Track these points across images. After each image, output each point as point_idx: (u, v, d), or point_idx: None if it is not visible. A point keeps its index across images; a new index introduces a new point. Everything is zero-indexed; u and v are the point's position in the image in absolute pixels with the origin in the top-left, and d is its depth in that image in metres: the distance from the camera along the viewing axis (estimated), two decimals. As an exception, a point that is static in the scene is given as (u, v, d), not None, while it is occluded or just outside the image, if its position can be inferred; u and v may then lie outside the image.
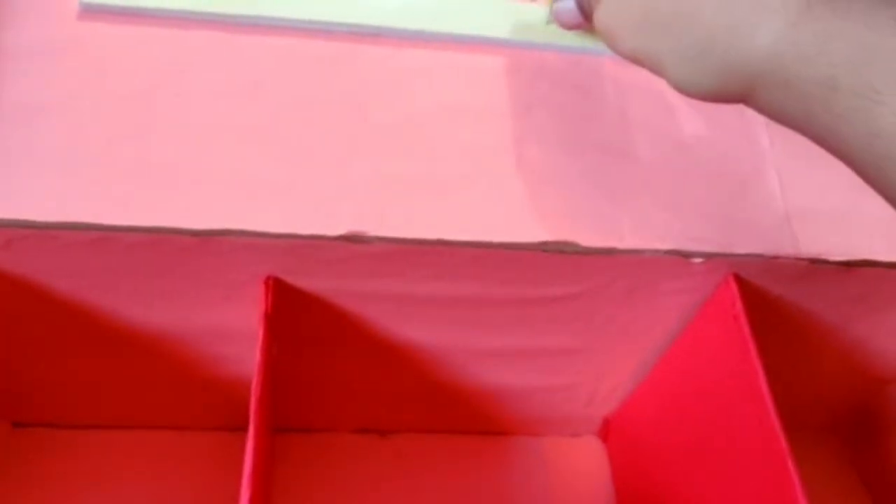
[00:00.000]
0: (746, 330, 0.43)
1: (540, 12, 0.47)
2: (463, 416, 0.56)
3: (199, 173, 0.41)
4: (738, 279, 0.45)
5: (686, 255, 0.44)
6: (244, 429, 0.41)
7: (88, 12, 0.45)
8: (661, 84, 0.47)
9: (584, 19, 0.42)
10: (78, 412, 0.53)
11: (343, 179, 0.43)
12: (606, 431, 0.58)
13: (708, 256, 0.44)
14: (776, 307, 0.47)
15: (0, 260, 0.42)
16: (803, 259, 0.44)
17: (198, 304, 0.45)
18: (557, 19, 0.43)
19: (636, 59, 0.36)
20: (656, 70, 0.35)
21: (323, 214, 0.42)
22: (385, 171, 0.43)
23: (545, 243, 0.42)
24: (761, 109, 0.33)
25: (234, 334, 0.47)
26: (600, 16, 0.37)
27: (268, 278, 0.44)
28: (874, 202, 0.46)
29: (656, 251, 0.43)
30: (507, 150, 0.44)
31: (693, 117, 0.47)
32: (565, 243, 0.43)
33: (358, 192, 0.42)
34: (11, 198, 0.40)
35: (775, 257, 0.44)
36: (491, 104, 0.46)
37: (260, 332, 0.43)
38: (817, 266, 0.44)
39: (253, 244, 0.41)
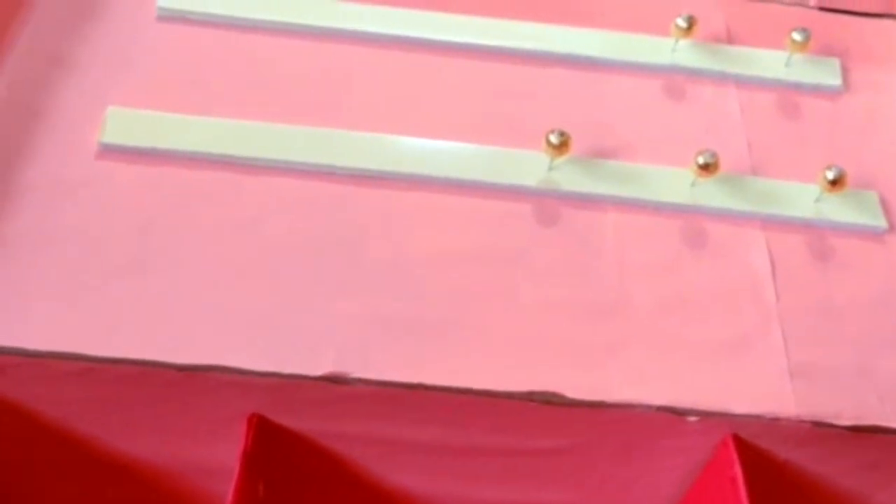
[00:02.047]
0: (744, 495, 0.41)
1: (541, 159, 0.48)
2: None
3: (190, 307, 0.42)
4: (737, 440, 0.43)
5: (680, 413, 0.42)
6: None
7: (107, 151, 0.47)
8: (661, 234, 0.47)
9: None
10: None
11: (330, 318, 0.43)
12: None
13: (704, 415, 0.42)
14: (780, 472, 0.44)
15: (-6, 385, 0.43)
16: (806, 421, 0.42)
17: (183, 438, 0.45)
18: None
19: None
20: None
21: (308, 353, 0.42)
22: (372, 311, 0.43)
23: (530, 393, 0.41)
24: None
25: (220, 471, 0.46)
26: None
27: (252, 416, 0.43)
28: (887, 362, 0.44)
29: (648, 406, 0.42)
30: (496, 296, 0.44)
31: (695, 268, 0.46)
32: (552, 394, 0.41)
33: (343, 331, 0.42)
34: (8, 325, 0.41)
35: (776, 419, 0.42)
36: (485, 248, 0.46)
37: (236, 470, 0.42)
38: (822, 430, 0.42)
39: (237, 381, 0.41)
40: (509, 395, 0.41)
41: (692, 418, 0.42)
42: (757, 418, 0.42)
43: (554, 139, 0.46)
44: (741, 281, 0.46)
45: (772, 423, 0.42)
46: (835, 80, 0.55)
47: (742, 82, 0.54)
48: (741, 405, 0.42)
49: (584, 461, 0.46)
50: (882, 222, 0.49)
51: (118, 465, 0.46)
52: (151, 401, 0.43)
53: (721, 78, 0.54)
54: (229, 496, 0.41)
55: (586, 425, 0.43)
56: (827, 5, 0.59)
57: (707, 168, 0.46)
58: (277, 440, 0.45)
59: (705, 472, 0.45)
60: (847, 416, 0.42)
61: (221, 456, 0.46)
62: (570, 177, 0.48)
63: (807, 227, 0.48)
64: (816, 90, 0.55)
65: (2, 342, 0.41)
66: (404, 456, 0.46)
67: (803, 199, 0.49)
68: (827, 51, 0.56)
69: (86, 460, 0.46)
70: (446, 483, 0.48)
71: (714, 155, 0.46)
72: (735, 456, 0.42)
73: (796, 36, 0.53)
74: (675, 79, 0.54)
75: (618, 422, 0.43)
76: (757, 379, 0.43)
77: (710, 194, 0.48)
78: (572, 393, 0.41)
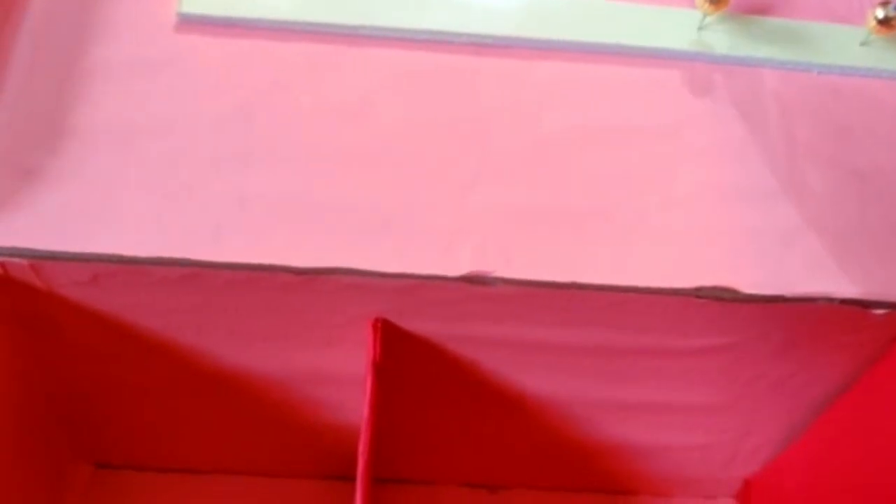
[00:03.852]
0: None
1: (688, 17, 0.41)
2: (582, 473, 0.50)
3: (303, 202, 0.37)
4: (925, 335, 0.38)
5: (866, 305, 0.37)
6: (345, 478, 0.37)
7: (187, 24, 0.41)
8: (831, 104, 0.41)
9: None
10: (164, 455, 0.49)
11: (464, 211, 0.37)
12: (748, 495, 0.51)
13: (892, 307, 0.37)
14: (973, 369, 0.40)
15: (87, 295, 0.38)
16: None
17: (297, 345, 0.41)
18: None
19: None
20: None
21: (441, 251, 0.36)
22: (511, 201, 0.38)
23: (699, 289, 0.36)
24: None
25: (337, 378, 0.42)
26: None
27: (376, 321, 0.39)
28: None
29: (832, 299, 0.37)
30: (653, 179, 0.38)
31: (870, 143, 0.40)
32: (723, 289, 0.36)
33: (480, 226, 0.37)
34: (100, 227, 0.36)
35: (975, 310, 0.37)
36: (633, 124, 0.40)
37: (368, 381, 0.38)
38: None
39: (362, 284, 0.37)
40: (674, 292, 0.36)
41: (879, 311, 0.37)
42: (954, 310, 0.37)
43: (711, -8, 0.39)
44: (924, 154, 0.40)
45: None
46: None
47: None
48: (932, 296, 0.37)
49: (739, 359, 0.41)
50: None
51: (223, 377, 0.42)
52: (263, 308, 0.39)
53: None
54: (365, 409, 0.37)
55: (754, 322, 0.38)
56: None
57: (888, 23, 0.40)
58: (400, 344, 0.40)
59: (880, 368, 0.40)
60: None
61: (336, 363, 0.42)
62: (722, 37, 0.41)
63: None
64: None
65: (93, 249, 0.36)
66: (539, 358, 0.41)
67: None
68: None
69: (188, 373, 0.42)
70: (580, 384, 0.43)
71: (897, 7, 0.40)
72: (926, 352, 0.37)
73: None
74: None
75: (791, 317, 0.38)
76: (950, 266, 0.38)
77: (883, 55, 0.42)
78: (746, 287, 0.36)
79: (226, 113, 0.39)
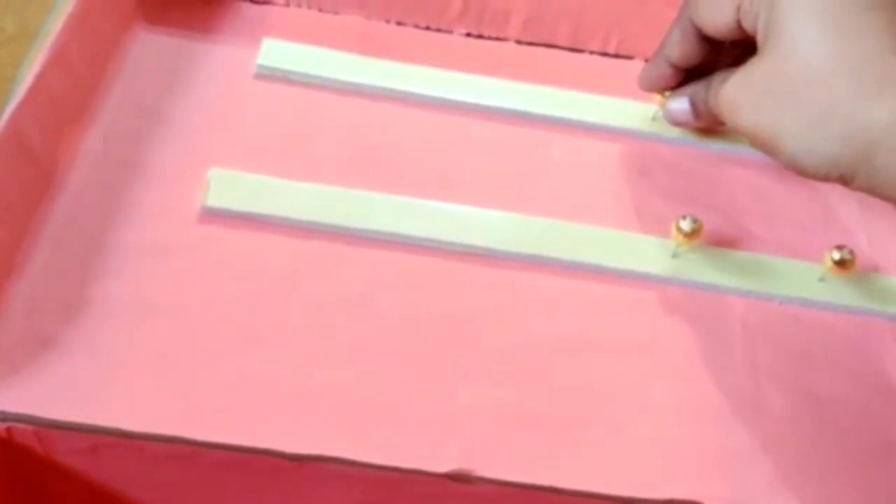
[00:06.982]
0: None
1: (662, 245, 0.46)
2: None
3: (301, 390, 0.39)
4: (884, 558, 0.40)
5: (826, 527, 0.39)
6: None
7: (210, 215, 0.44)
8: (792, 332, 0.45)
9: (695, 117, 0.46)
10: None
11: (451, 408, 0.40)
12: None
13: (851, 529, 0.39)
14: None
15: (82, 463, 0.39)
16: (961, 544, 0.39)
17: (279, 529, 0.42)
18: (668, 118, 0.48)
19: (755, 134, 0.38)
20: (772, 144, 0.37)
21: (428, 446, 0.39)
22: (496, 402, 0.40)
23: (670, 502, 0.38)
24: (870, 181, 0.35)
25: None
26: (727, 89, 0.40)
27: (357, 507, 0.40)
28: None
29: (794, 520, 0.39)
30: (629, 391, 0.41)
31: (827, 370, 0.44)
32: (691, 503, 0.38)
33: (466, 424, 0.39)
34: (104, 399, 0.38)
35: (929, 537, 0.39)
36: (612, 338, 0.43)
37: (346, 572, 0.39)
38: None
39: (349, 473, 0.38)
40: (647, 503, 0.38)
41: (838, 533, 0.39)
42: (909, 536, 0.39)
43: (685, 226, 0.44)
44: (876, 384, 0.44)
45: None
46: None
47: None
48: (889, 521, 0.39)
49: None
50: None
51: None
52: (251, 488, 0.40)
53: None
54: None
55: (722, 535, 0.40)
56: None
57: (843, 265, 0.44)
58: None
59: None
60: None
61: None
62: (694, 266, 0.46)
63: (943, 330, 0.46)
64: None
65: (96, 420, 0.37)
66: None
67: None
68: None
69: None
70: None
71: (851, 252, 0.44)
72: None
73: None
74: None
75: (757, 533, 0.40)
76: (903, 493, 0.40)
77: (839, 291, 0.46)
78: (712, 501, 0.38)
79: (235, 298, 0.42)
